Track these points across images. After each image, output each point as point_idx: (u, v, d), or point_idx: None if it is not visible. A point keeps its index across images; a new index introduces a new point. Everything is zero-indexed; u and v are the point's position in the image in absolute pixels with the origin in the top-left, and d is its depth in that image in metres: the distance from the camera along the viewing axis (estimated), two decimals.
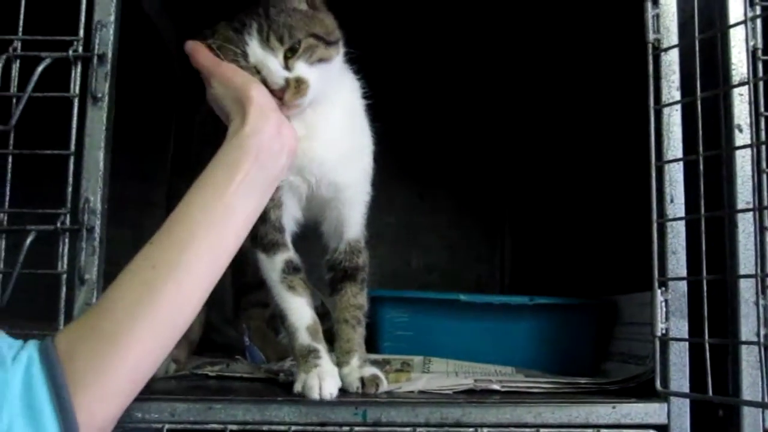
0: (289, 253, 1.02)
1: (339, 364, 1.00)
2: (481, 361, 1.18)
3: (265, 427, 0.85)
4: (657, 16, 0.96)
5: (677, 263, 0.93)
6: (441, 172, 1.78)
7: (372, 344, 1.19)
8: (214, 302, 1.24)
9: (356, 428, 0.85)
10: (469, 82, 1.77)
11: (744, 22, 0.93)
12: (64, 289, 0.89)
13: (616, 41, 1.24)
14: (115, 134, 0.93)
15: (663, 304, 0.92)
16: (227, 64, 0.92)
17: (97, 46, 0.91)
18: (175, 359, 1.11)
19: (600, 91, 1.38)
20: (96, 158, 0.91)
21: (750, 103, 0.92)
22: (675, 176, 0.94)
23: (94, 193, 0.90)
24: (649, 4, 0.96)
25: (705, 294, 0.88)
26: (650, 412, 0.90)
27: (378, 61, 1.19)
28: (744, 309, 0.91)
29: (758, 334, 0.88)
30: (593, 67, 1.42)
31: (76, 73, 0.92)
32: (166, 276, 0.79)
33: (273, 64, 0.92)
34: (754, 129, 0.92)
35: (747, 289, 0.91)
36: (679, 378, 0.91)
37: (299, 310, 0.99)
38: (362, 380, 0.96)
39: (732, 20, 0.95)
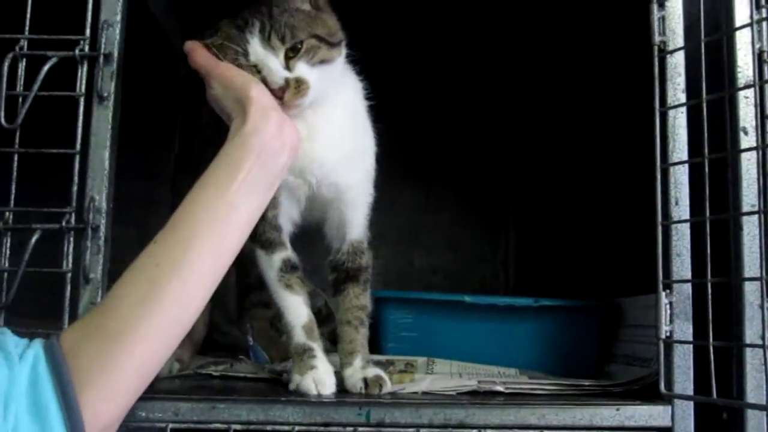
0: (286, 252, 1.03)
1: (342, 366, 1.00)
2: (484, 362, 1.18)
3: (268, 427, 0.85)
4: (663, 19, 0.96)
5: (682, 266, 0.93)
6: (445, 174, 1.78)
7: (376, 345, 1.19)
8: (218, 302, 1.25)
9: (360, 429, 0.85)
10: (474, 82, 1.77)
11: (750, 24, 0.92)
12: (68, 287, 0.89)
13: (621, 43, 1.24)
14: (120, 133, 0.93)
15: (667, 306, 0.92)
16: (225, 65, 0.92)
17: (103, 46, 0.92)
18: (179, 359, 1.11)
19: (605, 93, 1.38)
20: (101, 157, 0.91)
21: (756, 106, 0.92)
22: (680, 178, 0.94)
23: (99, 192, 0.90)
24: (655, 7, 0.96)
25: (709, 297, 0.88)
26: (654, 414, 0.89)
27: (382, 61, 1.20)
28: (748, 312, 0.91)
29: (763, 337, 0.88)
30: (598, 69, 1.42)
31: (82, 72, 0.92)
32: (170, 274, 0.79)
33: (273, 63, 0.92)
34: (759, 132, 0.92)
35: (752, 292, 0.91)
36: (684, 380, 0.91)
37: (296, 308, 1.00)
38: (365, 381, 0.96)
39: (738, 23, 0.95)
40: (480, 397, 0.96)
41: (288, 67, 0.92)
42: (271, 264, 1.01)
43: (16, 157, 0.91)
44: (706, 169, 0.90)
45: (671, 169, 0.94)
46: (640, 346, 1.07)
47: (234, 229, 0.85)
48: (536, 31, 1.63)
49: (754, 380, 0.90)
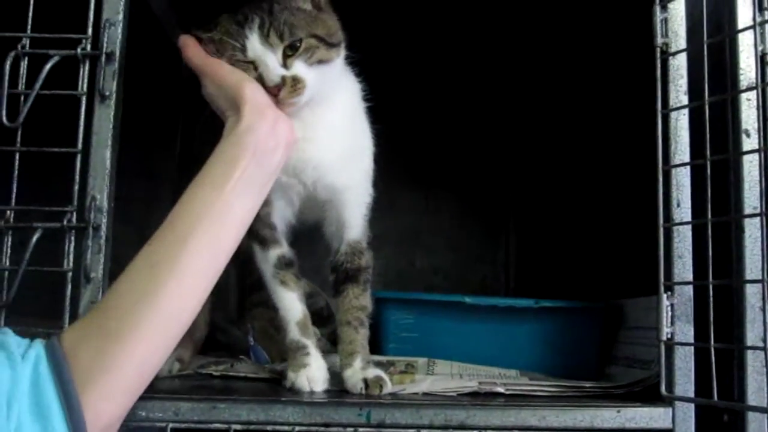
0: (282, 249, 1.04)
1: (342, 366, 1.00)
2: (485, 363, 1.18)
3: (269, 427, 0.85)
4: (665, 20, 0.96)
5: (683, 267, 0.93)
6: (446, 174, 1.78)
7: (376, 346, 1.19)
8: (218, 302, 1.25)
9: (360, 429, 0.85)
10: (475, 83, 1.77)
11: (753, 26, 0.92)
12: (69, 287, 0.89)
13: (623, 44, 1.24)
14: (122, 132, 0.93)
15: (669, 308, 0.92)
16: (217, 62, 0.91)
17: (105, 45, 0.91)
18: (180, 358, 1.11)
19: (607, 94, 1.37)
20: (103, 156, 0.91)
21: (758, 108, 0.92)
22: (682, 180, 0.94)
23: (100, 191, 0.90)
24: (658, 8, 0.96)
25: (711, 299, 0.88)
26: (655, 416, 0.89)
27: (383, 63, 1.19)
28: (750, 314, 0.91)
29: (764, 340, 0.88)
30: (600, 70, 1.42)
31: (84, 71, 0.92)
32: (168, 273, 0.79)
33: (271, 60, 0.91)
34: (761, 134, 0.91)
35: (753, 294, 0.91)
36: (685, 383, 0.91)
37: (290, 304, 1.02)
38: (366, 382, 0.96)
39: (741, 25, 0.95)
40: (481, 398, 0.96)
41: (285, 65, 0.92)
42: (267, 259, 1.03)
43: (17, 156, 0.90)
44: (708, 171, 0.90)
45: (673, 170, 0.94)
46: (641, 347, 1.07)
47: (230, 227, 0.85)
48: (537, 32, 1.63)
49: (755, 382, 0.90)
